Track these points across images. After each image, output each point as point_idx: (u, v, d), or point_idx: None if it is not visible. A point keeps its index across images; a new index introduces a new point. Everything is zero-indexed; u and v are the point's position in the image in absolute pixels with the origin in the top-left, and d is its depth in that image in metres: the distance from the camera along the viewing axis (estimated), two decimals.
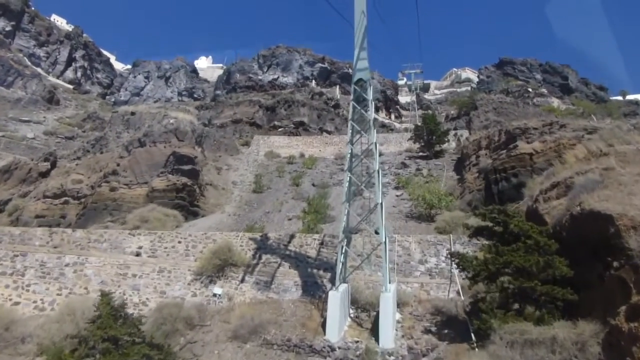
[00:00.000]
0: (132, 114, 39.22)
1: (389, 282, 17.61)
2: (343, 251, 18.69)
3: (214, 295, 19.96)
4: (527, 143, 32.80)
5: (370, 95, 19.46)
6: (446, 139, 53.53)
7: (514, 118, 40.77)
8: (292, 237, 22.92)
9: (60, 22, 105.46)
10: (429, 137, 52.53)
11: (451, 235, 23.13)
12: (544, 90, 72.32)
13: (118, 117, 40.34)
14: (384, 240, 17.77)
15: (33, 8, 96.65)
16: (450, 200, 32.50)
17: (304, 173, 47.81)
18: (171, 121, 35.43)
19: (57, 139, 66.46)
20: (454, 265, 18.36)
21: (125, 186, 32.38)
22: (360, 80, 19.86)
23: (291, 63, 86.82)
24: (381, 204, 18.76)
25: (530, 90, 71.46)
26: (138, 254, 21.94)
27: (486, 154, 35.92)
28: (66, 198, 32.95)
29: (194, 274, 20.80)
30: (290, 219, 32.68)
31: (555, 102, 69.45)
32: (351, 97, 19.97)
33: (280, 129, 68.18)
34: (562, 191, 17.65)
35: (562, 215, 16.07)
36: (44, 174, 36.55)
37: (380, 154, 57.28)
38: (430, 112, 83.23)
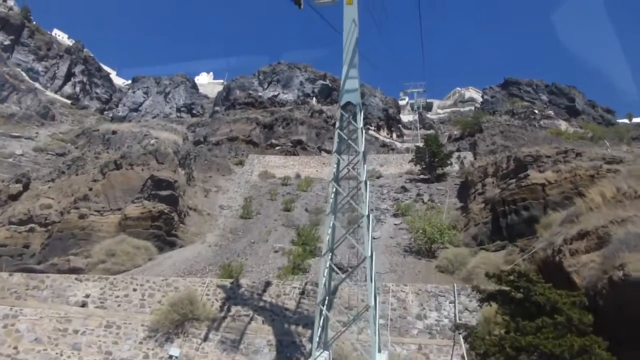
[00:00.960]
0: (114, 132, 35.98)
1: (379, 351, 13.91)
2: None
3: (170, 357, 16.40)
4: (539, 172, 29.27)
5: (360, 122, 15.92)
6: (449, 162, 50.08)
7: (523, 143, 37.32)
8: (267, 284, 19.33)
9: (62, 36, 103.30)
10: (430, 160, 49.09)
11: (455, 285, 19.49)
12: (551, 112, 68.91)
13: (98, 136, 37.13)
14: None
15: (34, 22, 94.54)
16: (453, 234, 28.91)
17: (297, 196, 44.29)
18: (152, 142, 32.18)
19: (47, 156, 63.35)
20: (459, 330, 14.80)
21: (96, 213, 28.95)
22: (348, 104, 16.23)
23: (292, 80, 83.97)
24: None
25: (536, 112, 68.08)
26: (84, 304, 18.46)
27: (493, 183, 32.37)
28: (32, 225, 29.52)
29: (148, 330, 17.23)
30: (276, 251, 29.13)
31: (563, 124, 66.00)
32: (336, 124, 16.46)
33: (277, 147, 64.91)
34: (594, 244, 14.11)
35: (596, 278, 12.56)
36: (15, 197, 33.21)
37: (380, 176, 53.84)
38: (432, 132, 79.91)
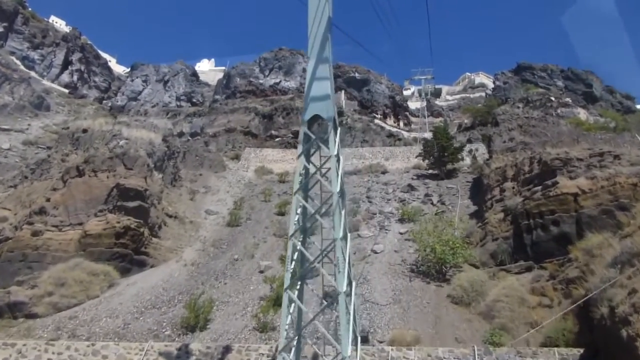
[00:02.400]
0: (84, 131, 31.25)
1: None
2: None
3: None
4: (570, 179, 24.16)
5: (334, 147, 10.67)
6: (460, 157, 44.92)
7: (545, 139, 32.08)
8: (227, 350, 14.63)
9: (60, 23, 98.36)
10: (440, 154, 43.93)
11: (475, 348, 14.64)
12: (569, 100, 62.92)
13: (67, 135, 32.51)
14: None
15: (30, 9, 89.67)
16: (469, 253, 23.99)
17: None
18: (121, 143, 27.46)
19: (37, 150, 58.98)
20: None
21: (54, 229, 24.38)
22: (316, 117, 10.89)
23: (294, 66, 78.59)
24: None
25: (553, 99, 62.11)
26: None
27: (514, 188, 27.26)
28: None
29: None
30: (262, 271, 24.47)
31: (582, 113, 60.08)
32: (298, 148, 11.21)
33: (277, 139, 59.99)
34: None
35: None
36: None
37: (385, 171, 48.75)
38: (441, 123, 74.34)
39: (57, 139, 35.22)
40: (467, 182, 41.10)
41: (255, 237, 29.69)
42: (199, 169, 43.77)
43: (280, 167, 49.68)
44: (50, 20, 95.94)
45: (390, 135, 68.10)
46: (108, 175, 25.64)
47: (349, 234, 10.72)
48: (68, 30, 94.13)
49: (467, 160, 47.11)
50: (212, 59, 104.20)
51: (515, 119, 35.96)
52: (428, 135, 66.96)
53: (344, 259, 9.69)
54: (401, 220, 32.63)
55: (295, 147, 60.72)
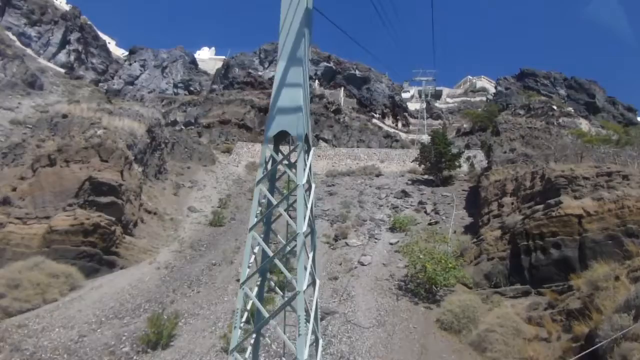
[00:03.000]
0: (64, 116, 29.09)
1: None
2: None
3: None
4: (575, 199, 22.27)
5: (303, 174, 8.53)
6: (457, 164, 43.02)
7: (549, 152, 30.19)
8: None
9: (60, 1, 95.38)
10: (437, 160, 42.01)
11: None
12: (571, 109, 61.04)
13: (46, 119, 30.35)
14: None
15: None
16: (462, 275, 22.11)
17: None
18: (98, 132, 25.34)
19: (25, 130, 56.69)
20: None
21: (18, 221, 22.32)
22: (283, 134, 8.51)
23: None
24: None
25: (555, 107, 60.23)
26: None
27: (513, 204, 25.37)
28: None
29: None
30: (239, 280, 22.53)
31: (583, 124, 58.25)
32: (258, 174, 8.99)
33: None
34: None
35: None
36: None
37: (379, 174, 46.80)
38: (440, 126, 72.45)
39: (34, 123, 33.03)
40: (464, 190, 39.26)
41: (237, 240, 27.75)
42: (187, 161, 41.74)
43: None
44: None
45: (388, 136, 66.13)
46: (81, 167, 23.52)
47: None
48: (68, 9, 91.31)
49: (465, 167, 45.27)
50: (213, 48, 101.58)
51: (517, 128, 34.00)
52: (426, 138, 65.11)
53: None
54: (392, 229, 30.76)
55: (288, 143, 58.58)
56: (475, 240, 25.33)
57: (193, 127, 59.19)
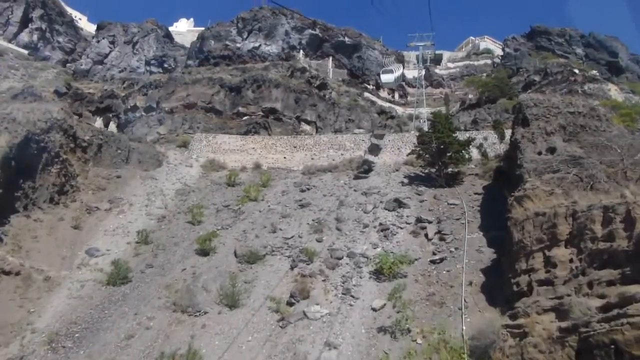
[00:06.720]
0: None
1: None
2: None
3: None
4: None
5: None
6: (466, 155, 31.48)
7: (605, 146, 18.79)
8: None
9: None
10: (439, 152, 30.45)
11: None
12: (596, 73, 48.36)
13: None
14: None
15: None
16: None
17: (237, 215, 26.35)
18: None
19: None
20: None
21: None
22: None
23: (276, 28, 63.25)
24: None
25: (576, 72, 47.62)
26: None
27: (572, 263, 13.96)
28: None
29: None
30: None
31: (612, 89, 45.75)
32: None
33: (245, 117, 46.22)
34: None
35: None
36: None
37: (369, 170, 35.33)
38: (442, 97, 60.13)
39: None
40: (476, 194, 27.92)
41: (138, 316, 16.87)
42: (121, 166, 30.57)
43: (237, 159, 36.41)
44: None
45: (382, 111, 54.08)
46: None
47: None
48: None
49: (475, 153, 33.66)
50: (192, 19, 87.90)
51: (554, 114, 22.23)
52: (425, 112, 52.94)
53: None
54: (377, 275, 19.70)
55: (266, 129, 47.08)
56: (509, 326, 14.07)
57: (154, 114, 47.66)
